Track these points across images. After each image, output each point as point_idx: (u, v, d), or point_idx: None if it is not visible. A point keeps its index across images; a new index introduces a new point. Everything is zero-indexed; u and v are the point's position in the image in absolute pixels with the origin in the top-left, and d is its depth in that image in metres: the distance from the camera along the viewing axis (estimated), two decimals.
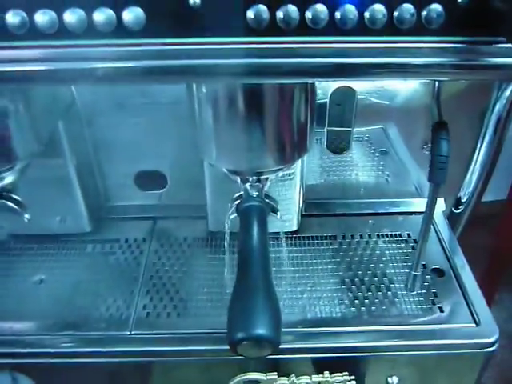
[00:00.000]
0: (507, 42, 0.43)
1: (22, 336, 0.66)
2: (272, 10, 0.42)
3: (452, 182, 0.81)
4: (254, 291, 0.50)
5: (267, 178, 0.61)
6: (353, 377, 0.65)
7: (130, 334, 0.65)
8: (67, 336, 0.66)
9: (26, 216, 0.67)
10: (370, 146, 0.81)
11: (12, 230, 0.79)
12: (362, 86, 0.72)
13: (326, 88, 0.72)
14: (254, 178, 0.60)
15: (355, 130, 0.77)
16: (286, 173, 0.72)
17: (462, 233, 0.87)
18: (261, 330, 0.47)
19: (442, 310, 0.67)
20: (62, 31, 0.43)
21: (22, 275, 0.74)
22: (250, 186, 0.60)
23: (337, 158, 0.81)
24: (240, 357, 0.50)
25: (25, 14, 0.43)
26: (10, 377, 0.65)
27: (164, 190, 0.81)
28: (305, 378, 0.65)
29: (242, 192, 0.62)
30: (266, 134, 0.54)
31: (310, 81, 0.53)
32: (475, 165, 0.78)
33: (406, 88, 0.74)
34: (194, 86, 0.54)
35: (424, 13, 0.43)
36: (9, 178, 0.64)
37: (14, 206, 0.66)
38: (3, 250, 0.78)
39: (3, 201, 0.65)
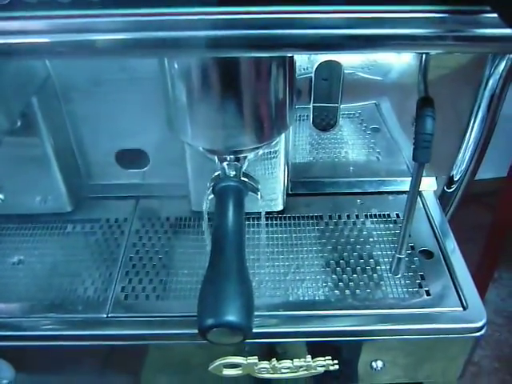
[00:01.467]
0: (493, 12, 0.40)
1: None
2: None
3: (444, 160, 0.79)
4: (225, 276, 0.48)
5: (246, 157, 0.59)
6: (336, 361, 0.64)
7: (107, 317, 0.64)
8: (44, 318, 0.64)
9: (0, 196, 0.65)
10: (361, 123, 0.78)
11: None
12: (352, 61, 0.69)
13: (314, 62, 0.69)
14: (232, 156, 0.57)
15: (346, 106, 0.74)
16: (269, 151, 0.70)
17: (455, 212, 0.84)
18: (231, 317, 0.45)
19: (428, 294, 0.65)
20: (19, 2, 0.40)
21: (0, 256, 0.72)
22: (228, 165, 0.58)
23: (326, 136, 0.78)
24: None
25: None
26: None
27: (146, 168, 0.79)
28: (286, 362, 0.63)
29: (219, 172, 0.60)
30: (242, 110, 0.52)
31: (283, 54, 0.50)
32: (468, 142, 0.76)
33: (399, 63, 0.70)
34: (166, 61, 0.51)
35: None
36: None
37: None
38: None
39: None
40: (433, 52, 0.56)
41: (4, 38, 0.42)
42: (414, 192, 0.58)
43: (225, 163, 0.58)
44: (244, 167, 0.59)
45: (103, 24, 0.42)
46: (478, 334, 0.62)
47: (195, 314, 0.61)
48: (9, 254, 0.72)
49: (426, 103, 0.53)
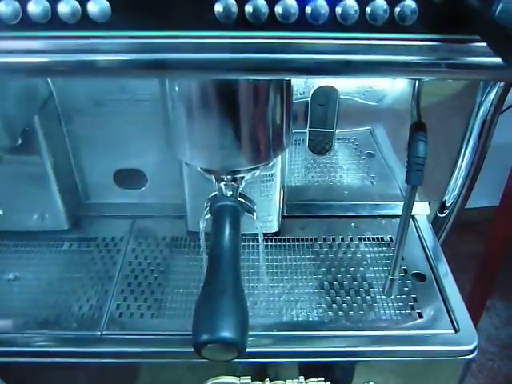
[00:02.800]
0: (482, 41, 0.42)
1: None
2: (241, 4, 0.41)
3: (437, 185, 0.80)
4: (221, 293, 0.49)
5: (243, 178, 0.60)
6: (328, 382, 0.64)
7: (101, 335, 0.64)
8: (39, 335, 0.64)
9: None
10: (356, 148, 0.80)
11: None
12: (348, 87, 0.71)
13: (311, 87, 0.71)
14: (229, 177, 0.59)
15: (342, 131, 0.76)
16: (266, 174, 0.71)
17: (447, 237, 0.85)
18: (226, 333, 0.46)
19: (421, 316, 0.66)
20: (25, 22, 0.42)
21: None
22: (225, 185, 0.59)
23: (321, 160, 0.79)
24: (205, 360, 0.49)
25: None
26: None
27: (143, 188, 0.80)
28: (279, 383, 0.63)
29: (217, 192, 0.61)
30: (240, 131, 0.53)
31: (279, 78, 0.52)
32: (460, 168, 0.77)
33: (393, 89, 0.72)
34: (167, 82, 0.53)
35: (397, 9, 0.41)
36: None
37: None
38: None
39: None
40: (425, 78, 0.58)
41: (11, 57, 0.43)
42: (407, 214, 0.60)
43: (222, 183, 0.59)
44: (241, 187, 0.60)
45: (106, 45, 0.44)
46: (469, 356, 0.63)
47: (190, 332, 0.62)
48: (5, 271, 0.73)
49: (418, 128, 0.55)
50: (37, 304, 0.68)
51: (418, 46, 0.43)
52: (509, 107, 1.28)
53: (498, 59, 0.42)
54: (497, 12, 0.35)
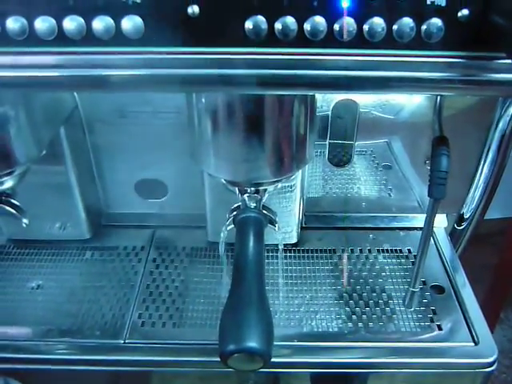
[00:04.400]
0: (507, 58, 0.43)
1: (17, 341, 0.65)
2: (270, 21, 0.42)
3: (455, 198, 0.81)
4: (246, 303, 0.49)
5: (266, 190, 0.61)
6: None
7: (124, 343, 0.65)
8: (62, 343, 0.65)
9: (25, 221, 0.67)
10: (373, 160, 0.81)
11: (11, 234, 0.80)
12: (366, 100, 0.72)
13: (329, 100, 0.72)
14: (252, 189, 0.60)
15: (359, 143, 0.77)
16: (286, 185, 0.72)
17: (465, 250, 0.86)
18: (252, 343, 0.46)
19: (440, 328, 0.66)
20: (60, 38, 0.43)
21: (20, 280, 0.74)
22: (248, 197, 0.60)
23: (339, 172, 0.80)
24: (231, 369, 0.49)
25: (25, 21, 0.43)
26: (3, 382, 0.65)
27: (164, 198, 0.81)
28: None
29: (239, 203, 0.62)
30: (264, 145, 0.54)
31: (307, 93, 0.53)
32: (478, 181, 0.78)
33: (411, 102, 0.73)
34: (193, 95, 0.54)
35: (424, 27, 0.42)
36: (8, 183, 0.64)
37: (13, 211, 0.66)
38: (2, 254, 0.78)
39: (2, 205, 0.65)
40: (451, 94, 0.59)
41: (53, 72, 0.44)
42: (429, 227, 0.60)
43: (245, 195, 0.60)
44: (264, 199, 0.61)
45: (138, 60, 0.45)
46: (489, 369, 0.63)
47: (211, 341, 0.63)
48: (28, 279, 0.74)
49: (441, 142, 0.56)
50: (60, 312, 0.69)
51: (444, 62, 0.44)
52: None
53: None
54: None
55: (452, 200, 0.80)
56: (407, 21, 0.42)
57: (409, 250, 0.78)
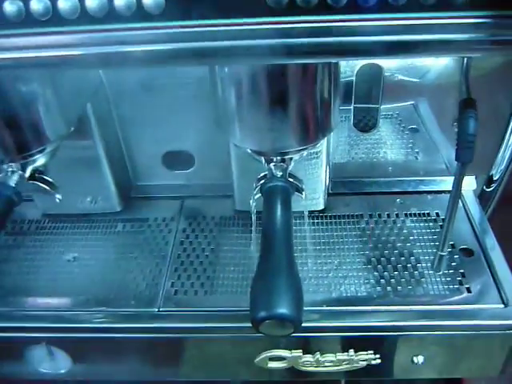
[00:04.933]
0: None
1: (56, 311, 0.68)
2: None
3: (484, 159, 0.80)
4: (276, 271, 0.51)
5: (291, 158, 0.61)
6: (378, 355, 0.66)
7: (159, 311, 0.67)
8: (98, 312, 0.68)
9: (58, 196, 0.69)
10: (399, 124, 0.80)
11: (46, 209, 0.82)
12: (391, 64, 0.71)
13: (353, 65, 0.71)
14: (278, 158, 0.60)
15: (384, 107, 0.76)
16: (311, 151, 0.72)
17: (494, 211, 0.85)
18: (282, 310, 0.48)
19: (469, 291, 0.67)
20: (83, 16, 0.44)
21: (56, 253, 0.77)
22: (275, 165, 0.60)
23: (365, 136, 0.80)
24: (262, 335, 0.51)
25: (48, 1, 0.43)
26: (46, 350, 0.68)
27: (191, 169, 0.82)
28: (329, 356, 0.66)
29: (266, 172, 0.62)
30: (289, 114, 0.54)
31: (331, 60, 0.52)
32: (508, 142, 0.76)
33: (436, 64, 0.72)
34: (216, 67, 0.54)
35: None
36: (40, 160, 0.65)
37: (46, 187, 0.68)
38: (38, 228, 0.81)
39: (36, 182, 0.67)
40: (478, 55, 0.57)
41: (77, 50, 0.45)
42: (457, 191, 0.60)
43: (271, 164, 0.60)
44: (290, 168, 0.61)
45: (161, 35, 0.45)
46: None
47: (242, 308, 0.65)
48: (64, 252, 0.77)
49: (468, 104, 0.55)
50: (95, 283, 0.71)
51: (471, 23, 0.43)
52: None
53: None
54: None
55: (481, 161, 0.80)
56: None
57: (437, 214, 0.78)
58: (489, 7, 0.43)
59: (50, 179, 0.68)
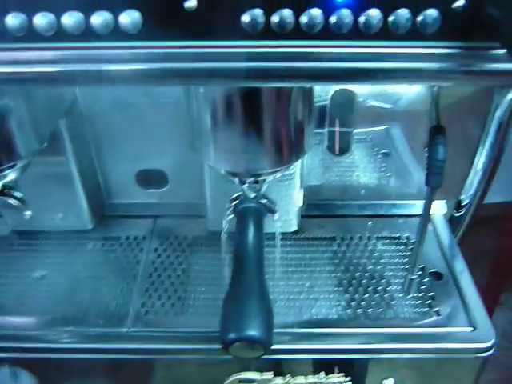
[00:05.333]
0: (502, 48, 0.43)
1: (23, 331, 0.67)
2: (267, 14, 0.43)
3: (454, 184, 0.81)
4: (247, 293, 0.51)
5: (265, 180, 0.61)
6: (348, 378, 0.66)
7: (128, 332, 0.66)
8: (66, 332, 0.67)
9: (28, 213, 0.68)
10: (372, 148, 0.81)
11: (15, 226, 0.81)
12: (363, 89, 0.73)
13: (327, 90, 0.72)
14: (252, 179, 0.60)
15: (358, 131, 0.77)
16: (285, 173, 0.73)
17: (464, 235, 0.87)
18: (253, 332, 0.48)
19: (438, 314, 0.67)
20: (59, 33, 0.44)
21: (24, 271, 0.75)
22: (248, 187, 0.61)
23: (338, 160, 0.81)
24: (232, 357, 0.50)
25: (24, 16, 0.43)
26: (10, 371, 0.66)
27: (165, 188, 0.82)
28: (300, 379, 0.65)
29: (239, 193, 0.62)
30: (263, 136, 0.55)
31: (304, 84, 0.53)
32: (477, 167, 0.78)
33: (408, 92, 0.74)
34: (192, 87, 0.55)
35: (419, 18, 0.43)
36: (11, 176, 0.64)
37: (16, 203, 0.67)
38: (7, 245, 0.80)
39: (5, 198, 0.66)
40: (447, 84, 0.59)
41: (52, 67, 0.45)
42: (426, 215, 0.61)
43: (245, 185, 0.61)
44: (263, 189, 0.62)
45: (137, 55, 0.45)
46: (486, 353, 0.64)
47: (213, 329, 0.64)
48: (32, 269, 0.75)
49: (438, 131, 0.56)
50: (64, 302, 0.70)
51: (440, 53, 0.44)
52: None
53: None
54: None
55: (451, 186, 0.81)
56: (403, 12, 0.42)
57: (407, 237, 0.79)
58: (459, 38, 0.44)
59: (19, 195, 0.67)
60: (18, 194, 0.67)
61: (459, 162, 0.78)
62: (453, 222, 0.84)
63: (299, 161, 0.72)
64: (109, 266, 0.75)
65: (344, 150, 0.78)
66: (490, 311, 1.62)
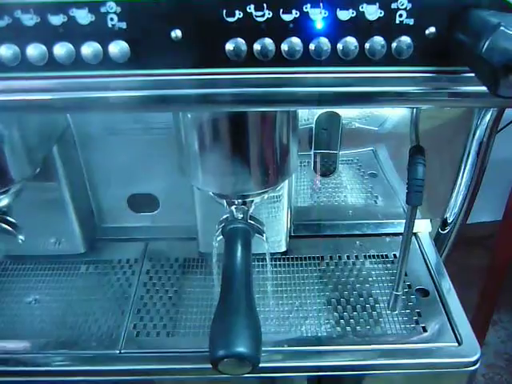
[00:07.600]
0: (471, 72, 0.46)
1: (15, 355, 0.67)
2: (249, 43, 0.45)
3: (438, 203, 0.84)
4: (234, 311, 0.52)
5: (252, 201, 0.63)
6: None
7: (120, 353, 0.67)
8: (59, 355, 0.67)
9: (21, 238, 0.69)
10: (359, 169, 0.83)
11: (8, 251, 0.82)
12: (349, 112, 0.75)
13: (313, 113, 0.75)
14: (239, 200, 0.62)
15: (345, 152, 0.79)
16: (273, 195, 0.75)
17: (450, 253, 0.88)
18: (241, 348, 0.49)
19: (425, 330, 0.69)
20: (51, 63, 0.46)
21: (17, 295, 0.76)
22: (236, 208, 0.62)
23: (326, 181, 0.83)
24: (222, 375, 0.51)
25: (17, 48, 0.45)
26: None
27: (156, 212, 0.83)
28: None
29: (228, 214, 0.64)
30: (249, 159, 0.57)
31: (286, 109, 0.55)
32: (460, 186, 0.80)
33: (393, 114, 0.76)
34: (179, 113, 0.57)
35: (394, 44, 0.45)
36: (4, 201, 0.66)
37: (8, 228, 0.68)
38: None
39: None
40: (422, 107, 0.61)
41: (46, 96, 0.47)
42: (409, 232, 0.63)
43: (233, 207, 0.62)
44: (251, 210, 0.63)
45: (125, 83, 0.47)
46: (472, 368, 0.65)
47: (204, 349, 0.65)
48: (25, 294, 0.76)
49: (417, 151, 0.59)
50: (57, 325, 0.71)
51: (414, 77, 0.47)
52: (508, 124, 1.32)
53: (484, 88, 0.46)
54: (484, 49, 0.39)
55: (435, 205, 0.83)
56: (378, 39, 0.45)
57: (394, 256, 0.81)
58: (432, 62, 0.47)
59: (12, 220, 0.68)
60: (11, 219, 0.68)
61: (443, 182, 0.80)
62: (439, 240, 0.86)
63: (286, 182, 0.74)
64: (101, 289, 0.76)
65: (330, 171, 0.81)
66: (484, 330, 1.63)
